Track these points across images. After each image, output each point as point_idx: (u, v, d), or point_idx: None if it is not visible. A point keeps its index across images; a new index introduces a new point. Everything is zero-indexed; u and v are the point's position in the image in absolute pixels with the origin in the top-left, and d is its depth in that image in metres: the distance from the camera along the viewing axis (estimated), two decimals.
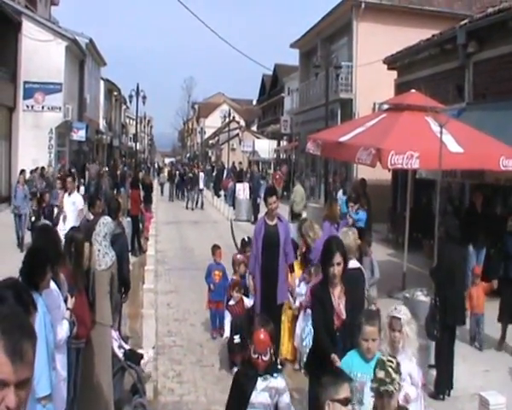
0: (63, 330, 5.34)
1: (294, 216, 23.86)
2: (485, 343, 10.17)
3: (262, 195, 27.86)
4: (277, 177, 32.34)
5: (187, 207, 34.77)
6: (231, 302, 9.41)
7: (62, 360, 5.40)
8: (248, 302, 9.36)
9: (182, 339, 10.69)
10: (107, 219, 7.36)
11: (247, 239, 11.58)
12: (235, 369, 8.67)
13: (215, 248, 11.55)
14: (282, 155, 50.97)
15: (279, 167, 39.37)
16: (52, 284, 5.20)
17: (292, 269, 9.20)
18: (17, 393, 1.97)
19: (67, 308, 5.52)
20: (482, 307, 10.26)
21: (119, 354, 7.34)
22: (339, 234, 8.84)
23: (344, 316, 5.82)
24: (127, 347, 7.85)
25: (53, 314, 5.15)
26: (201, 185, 35.76)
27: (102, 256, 6.77)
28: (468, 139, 11.77)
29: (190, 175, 38.13)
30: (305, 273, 9.23)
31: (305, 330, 8.44)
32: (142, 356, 7.81)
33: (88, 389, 6.50)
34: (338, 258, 5.81)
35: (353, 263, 6.61)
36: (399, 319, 5.32)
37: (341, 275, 5.87)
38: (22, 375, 2.00)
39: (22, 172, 21.70)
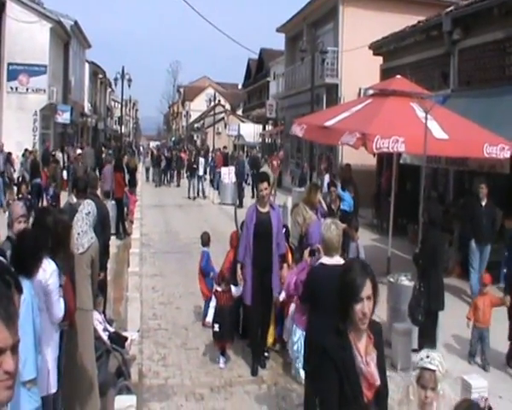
0: (61, 308, 5.35)
1: None
2: (489, 364, 8.95)
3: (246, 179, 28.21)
4: (274, 163, 30.34)
5: (189, 197, 31.28)
6: (218, 288, 9.07)
7: (56, 339, 5.45)
8: (236, 292, 8.94)
9: (167, 322, 10.71)
10: (89, 200, 7.32)
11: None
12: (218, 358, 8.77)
13: (205, 235, 11.09)
14: (267, 140, 50.91)
15: (276, 153, 37.31)
16: (52, 266, 5.20)
17: (284, 259, 8.82)
18: (13, 356, 2.09)
19: (60, 285, 5.51)
20: (488, 321, 9.03)
21: (104, 336, 7.36)
22: (320, 222, 8.84)
23: (378, 382, 3.76)
24: (112, 330, 7.87)
25: (53, 295, 5.20)
26: (201, 171, 32.67)
27: (81, 239, 6.66)
28: (452, 126, 11.82)
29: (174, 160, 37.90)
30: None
31: (295, 333, 7.69)
32: (126, 339, 7.83)
33: (71, 373, 6.52)
34: (368, 290, 3.67)
35: (337, 260, 6.10)
36: (433, 371, 4.09)
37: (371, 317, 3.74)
38: (15, 338, 2.10)
39: None
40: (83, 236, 6.66)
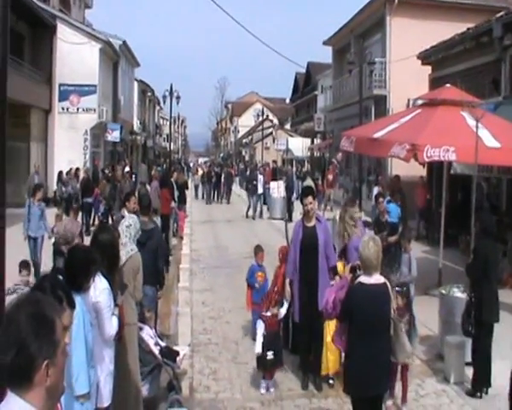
0: (113, 326, 5.39)
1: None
2: None
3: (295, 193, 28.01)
4: (330, 177, 28.48)
5: (247, 216, 29.28)
6: (267, 313, 8.48)
7: (110, 354, 5.49)
8: (283, 312, 8.59)
9: (217, 337, 10.71)
10: (133, 216, 7.38)
11: None
12: (264, 383, 8.30)
13: (258, 249, 10.99)
14: (315, 153, 50.75)
15: (331, 166, 32.27)
16: (104, 283, 5.26)
17: (335, 272, 8.47)
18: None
19: (116, 305, 5.56)
20: None
21: (156, 351, 7.39)
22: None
23: None
24: (163, 344, 7.90)
25: (104, 312, 5.24)
26: (260, 189, 29.99)
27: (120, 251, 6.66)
28: (504, 134, 11.59)
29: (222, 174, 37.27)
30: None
31: None
32: (177, 353, 7.85)
33: (119, 387, 6.56)
34: None
35: (377, 278, 5.88)
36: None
37: None
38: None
39: (39, 187, 15.60)
40: (122, 248, 6.64)
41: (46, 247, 13.81)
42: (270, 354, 8.17)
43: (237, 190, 42.93)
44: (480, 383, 8.15)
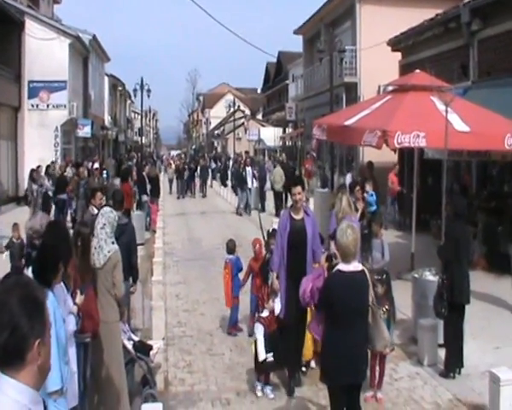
0: (69, 324, 5.30)
1: (275, 195, 25.52)
2: None
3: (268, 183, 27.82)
4: (308, 167, 27.31)
5: (237, 213, 27.22)
6: (265, 314, 8.07)
7: (72, 354, 5.39)
8: (278, 308, 8.03)
9: (191, 329, 10.67)
10: (105, 209, 7.24)
11: (271, 231, 10.59)
12: (259, 386, 7.88)
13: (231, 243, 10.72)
14: (287, 143, 50.84)
15: (309, 155, 32.03)
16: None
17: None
18: None
19: (75, 303, 5.49)
20: None
21: (129, 346, 7.32)
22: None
23: None
24: (136, 338, 7.83)
25: (64, 307, 5.18)
26: (250, 183, 27.83)
27: (97, 254, 6.59)
28: (473, 117, 11.67)
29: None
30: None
31: None
32: (151, 347, 7.78)
33: (98, 385, 6.50)
34: None
35: (355, 266, 5.78)
36: None
37: None
38: None
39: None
40: (99, 251, 6.62)
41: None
42: (270, 357, 7.72)
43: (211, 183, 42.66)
44: (453, 364, 8.22)
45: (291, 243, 7.85)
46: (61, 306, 5.10)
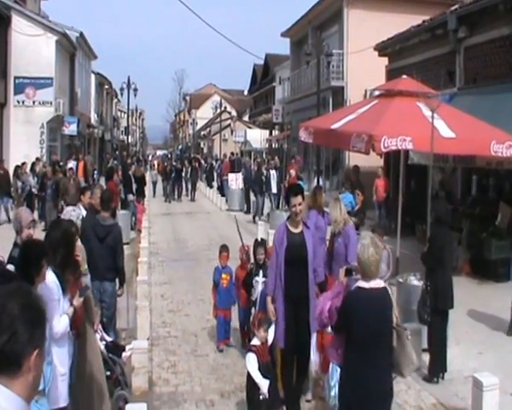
0: (61, 323, 5.24)
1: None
2: None
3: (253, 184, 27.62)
4: (292, 172, 22.63)
5: (254, 221, 23.62)
6: (255, 342, 6.88)
7: (61, 355, 5.31)
8: (271, 334, 6.98)
9: (176, 330, 10.65)
10: (67, 209, 7.20)
11: (260, 240, 9.86)
12: None
13: (222, 249, 9.96)
14: (274, 145, 50.86)
15: (294, 160, 28.87)
16: (51, 277, 5.16)
17: (323, 289, 7.25)
18: None
19: (71, 304, 5.46)
20: None
21: (101, 346, 7.27)
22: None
23: None
24: (109, 339, 7.77)
25: (49, 307, 5.10)
26: (274, 189, 25.49)
27: None
28: (459, 124, 11.76)
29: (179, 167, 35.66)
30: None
31: (332, 376, 5.96)
32: (124, 348, 7.71)
33: (82, 385, 6.47)
34: None
35: (377, 282, 5.33)
36: None
37: None
38: None
39: None
40: None
41: None
42: (265, 394, 6.60)
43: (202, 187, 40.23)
44: (437, 369, 8.28)
45: (289, 260, 6.93)
46: (51, 303, 5.08)
